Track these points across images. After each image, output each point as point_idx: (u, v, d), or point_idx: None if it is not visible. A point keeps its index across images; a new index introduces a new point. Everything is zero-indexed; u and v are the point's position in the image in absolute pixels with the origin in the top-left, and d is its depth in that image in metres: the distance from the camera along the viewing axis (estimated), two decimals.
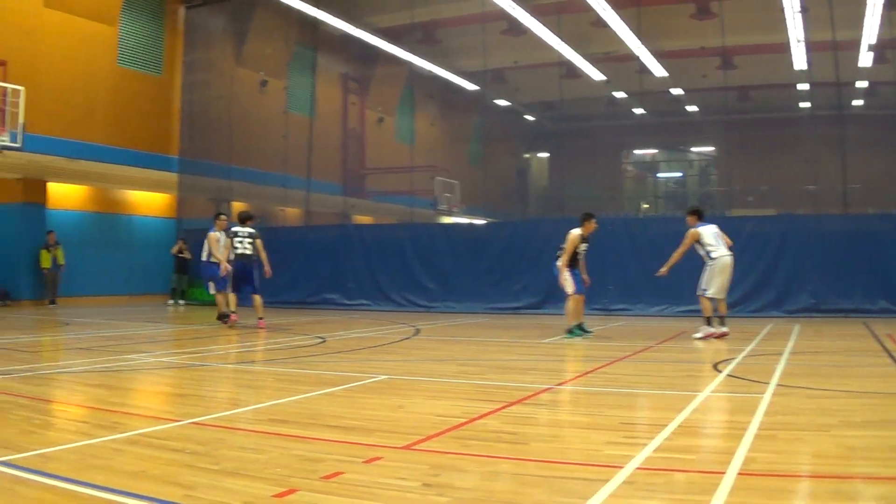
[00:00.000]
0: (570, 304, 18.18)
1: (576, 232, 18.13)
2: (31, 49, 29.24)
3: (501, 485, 5.94)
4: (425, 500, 5.47)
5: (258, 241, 21.45)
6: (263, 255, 21.45)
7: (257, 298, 21.68)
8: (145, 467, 6.29)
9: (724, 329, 17.96)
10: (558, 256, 18.22)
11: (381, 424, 8.12)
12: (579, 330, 18.20)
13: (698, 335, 17.71)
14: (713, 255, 17.99)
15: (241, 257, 21.53)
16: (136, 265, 36.23)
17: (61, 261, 31.85)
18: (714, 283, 17.88)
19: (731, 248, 18.38)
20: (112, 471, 6.18)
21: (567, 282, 18.01)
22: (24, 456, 6.69)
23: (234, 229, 21.94)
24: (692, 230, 18.27)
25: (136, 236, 36.81)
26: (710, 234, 18.20)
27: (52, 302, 31.66)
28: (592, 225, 18.34)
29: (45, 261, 31.65)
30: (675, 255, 18.42)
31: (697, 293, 18.19)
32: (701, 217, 18.67)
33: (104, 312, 24.81)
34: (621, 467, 6.14)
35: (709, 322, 17.93)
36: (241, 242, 21.49)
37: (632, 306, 25.74)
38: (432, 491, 5.62)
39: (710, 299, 18.01)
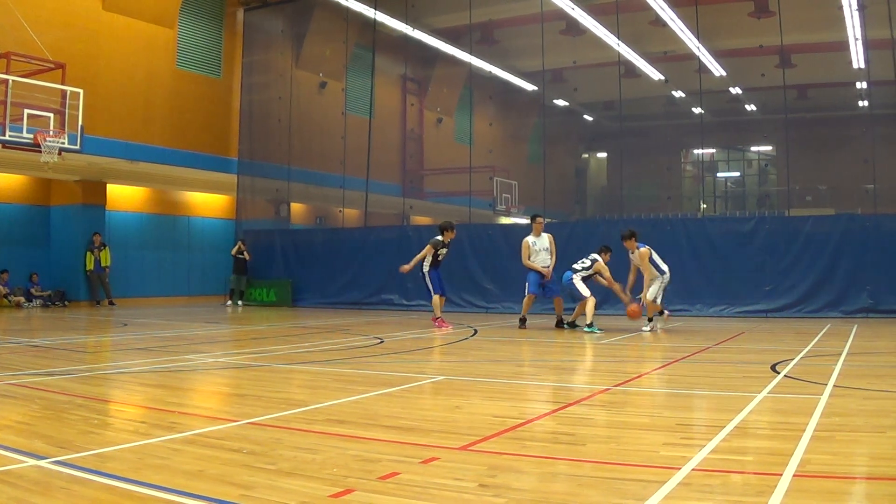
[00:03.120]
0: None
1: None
2: (89, 52, 29.54)
3: (558, 486, 5.92)
4: (482, 500, 5.46)
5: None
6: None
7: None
8: (203, 467, 6.33)
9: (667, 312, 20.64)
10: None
11: (437, 425, 8.13)
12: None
13: (646, 328, 19.37)
14: (662, 268, 19.68)
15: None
16: (194, 266, 36.52)
17: (106, 262, 32.11)
18: (662, 294, 19.90)
19: None
20: (169, 470, 6.23)
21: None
22: (81, 455, 6.76)
23: None
24: (644, 249, 19.79)
25: (194, 237, 37.10)
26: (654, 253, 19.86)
27: (111, 303, 31.95)
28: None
29: (89, 262, 31.95)
30: (647, 274, 19.83)
31: (645, 302, 19.68)
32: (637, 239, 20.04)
33: (162, 313, 25.07)
34: (678, 468, 6.12)
35: (651, 319, 19.75)
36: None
37: (690, 307, 25.53)
38: (489, 492, 5.60)
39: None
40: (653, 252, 19.71)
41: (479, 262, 28.79)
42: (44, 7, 27.86)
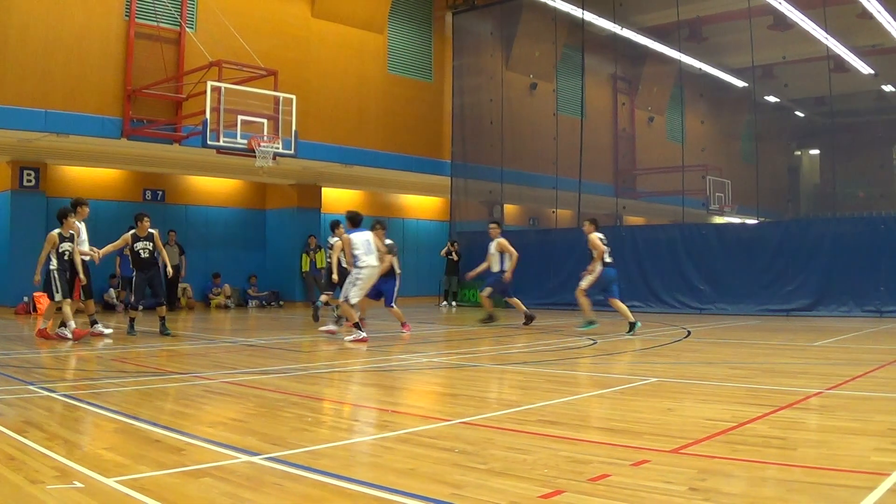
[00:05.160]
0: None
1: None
2: (300, 58, 30.30)
3: (768, 491, 5.90)
4: None
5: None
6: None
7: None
8: (414, 465, 6.46)
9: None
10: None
11: (649, 427, 8.10)
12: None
13: (350, 338, 17.79)
14: (359, 263, 18.25)
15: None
16: (408, 267, 36.94)
17: (322, 264, 32.76)
18: (356, 292, 18.27)
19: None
20: (381, 468, 6.42)
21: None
22: (294, 452, 7.01)
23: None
24: (344, 236, 18.80)
25: (409, 239, 37.56)
26: (360, 242, 18.40)
27: (327, 304, 32.54)
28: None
29: (305, 264, 32.66)
30: (347, 264, 18.89)
31: (341, 300, 18.90)
32: (356, 224, 18.80)
33: (376, 313, 25.40)
34: (888, 475, 6.00)
35: (358, 326, 17.97)
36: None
37: None
38: (698, 496, 5.58)
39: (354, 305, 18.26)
40: (354, 241, 18.37)
41: (692, 262, 28.43)
42: (253, 16, 28.65)
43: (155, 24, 26.53)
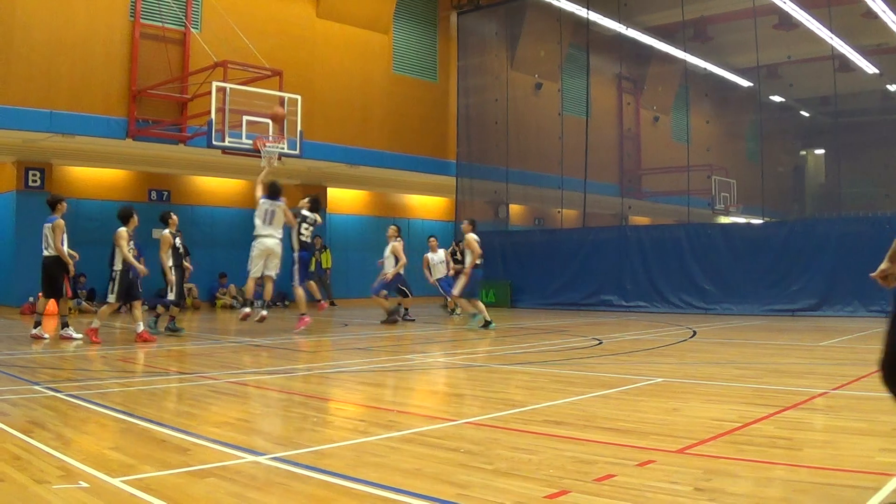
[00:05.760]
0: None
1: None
2: (305, 59, 30.42)
3: (773, 491, 5.86)
4: None
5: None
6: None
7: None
8: (420, 465, 6.45)
9: (263, 312, 19.90)
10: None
11: (655, 427, 8.07)
12: None
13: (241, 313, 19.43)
14: (254, 233, 19.58)
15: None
16: (415, 268, 36.92)
17: (326, 265, 32.73)
18: (250, 264, 19.65)
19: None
20: (387, 468, 6.37)
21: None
22: (300, 452, 7.00)
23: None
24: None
25: (414, 239, 37.49)
26: (260, 211, 19.97)
27: (332, 303, 32.52)
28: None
29: (310, 265, 32.69)
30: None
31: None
32: (272, 195, 20.33)
33: (382, 314, 25.43)
34: (893, 475, 5.98)
35: (245, 304, 19.74)
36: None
37: None
38: (704, 496, 5.56)
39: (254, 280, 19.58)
40: (259, 207, 20.18)
41: (697, 262, 28.40)
42: (258, 17, 28.77)
43: (160, 24, 26.62)
